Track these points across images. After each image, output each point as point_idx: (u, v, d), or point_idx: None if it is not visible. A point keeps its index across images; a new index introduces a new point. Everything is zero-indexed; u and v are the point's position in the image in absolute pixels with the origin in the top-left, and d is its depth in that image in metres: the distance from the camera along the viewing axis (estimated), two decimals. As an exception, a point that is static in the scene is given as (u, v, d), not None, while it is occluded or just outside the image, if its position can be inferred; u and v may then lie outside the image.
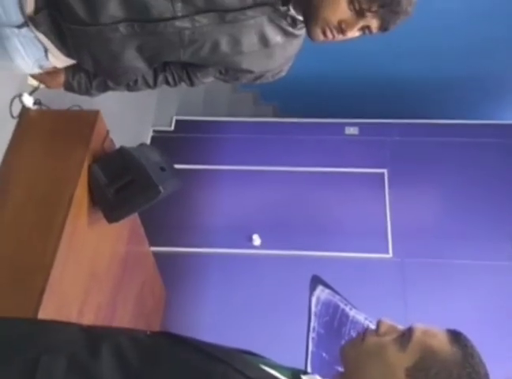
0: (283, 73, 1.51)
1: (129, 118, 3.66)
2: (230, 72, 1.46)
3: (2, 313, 1.60)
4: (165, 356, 0.91)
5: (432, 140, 4.12)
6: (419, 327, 1.03)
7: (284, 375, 0.98)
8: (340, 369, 1.08)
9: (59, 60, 1.40)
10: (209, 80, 1.52)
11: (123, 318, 2.54)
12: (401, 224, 3.77)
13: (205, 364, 0.90)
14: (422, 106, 4.53)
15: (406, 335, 1.02)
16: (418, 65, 4.46)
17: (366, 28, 1.24)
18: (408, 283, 3.52)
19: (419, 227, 3.77)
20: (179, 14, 1.22)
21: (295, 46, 1.42)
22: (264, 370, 0.95)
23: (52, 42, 1.32)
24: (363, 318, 3.39)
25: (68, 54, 1.37)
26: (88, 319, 2.11)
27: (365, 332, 1.06)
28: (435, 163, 4.02)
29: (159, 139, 4.23)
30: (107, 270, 2.33)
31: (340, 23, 1.22)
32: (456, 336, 1.02)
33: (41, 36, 1.31)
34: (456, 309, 3.32)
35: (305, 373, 1.04)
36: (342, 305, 3.44)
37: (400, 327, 1.05)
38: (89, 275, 2.15)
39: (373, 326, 1.09)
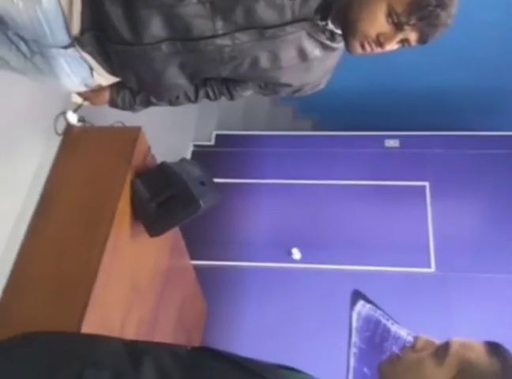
0: (321, 86, 1.51)
1: (170, 133, 3.71)
2: (269, 86, 1.47)
3: (47, 325, 1.64)
4: (204, 372, 0.92)
5: (475, 153, 4.05)
6: (456, 340, 1.02)
7: None
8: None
9: (104, 78, 1.44)
10: (249, 93, 1.54)
11: (165, 332, 2.56)
12: (444, 238, 3.70)
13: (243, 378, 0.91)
14: (464, 118, 4.46)
15: (443, 349, 1.00)
16: (459, 76, 4.40)
17: (404, 41, 1.24)
18: (451, 297, 3.45)
19: (462, 241, 3.70)
20: (220, 32, 1.24)
21: (333, 59, 1.43)
22: None
23: (97, 61, 1.36)
24: (405, 333, 3.33)
25: (112, 73, 1.41)
26: (130, 333, 2.13)
27: (402, 348, 1.06)
28: (478, 176, 3.94)
29: (199, 153, 4.27)
30: (149, 284, 2.36)
31: (378, 36, 1.22)
32: (495, 348, 1.00)
33: (87, 56, 1.35)
34: (501, 324, 3.24)
35: None
36: (384, 321, 3.39)
37: (438, 342, 1.04)
38: (132, 288, 2.18)
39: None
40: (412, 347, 1.04)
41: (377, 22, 1.21)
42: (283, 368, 1.02)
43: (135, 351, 0.94)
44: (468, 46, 3.95)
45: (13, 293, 1.88)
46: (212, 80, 1.50)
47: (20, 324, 1.63)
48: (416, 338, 1.05)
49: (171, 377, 0.89)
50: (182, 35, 1.25)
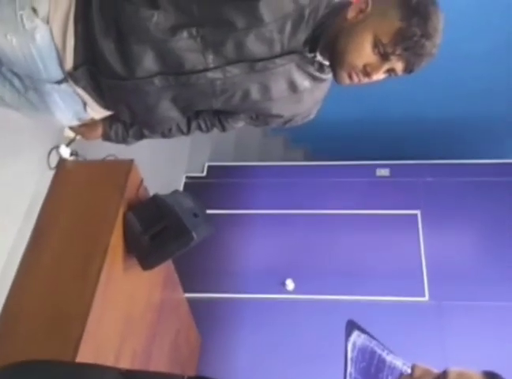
0: (312, 116, 1.54)
1: (162, 165, 3.73)
2: (260, 117, 1.50)
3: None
4: None
5: (465, 181, 4.08)
6: (454, 369, 1.02)
7: None
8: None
9: (97, 112, 1.45)
10: (240, 125, 1.57)
11: (158, 365, 2.53)
12: (437, 266, 3.70)
13: None
14: (454, 147, 4.51)
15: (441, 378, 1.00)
16: (448, 105, 4.46)
17: (391, 71, 1.28)
18: (446, 326, 3.44)
19: (456, 269, 3.70)
20: (211, 66, 1.27)
21: (322, 89, 1.46)
22: None
23: (90, 96, 1.37)
24: (400, 363, 3.31)
25: (105, 107, 1.42)
26: (124, 365, 2.11)
27: (399, 377, 1.05)
28: (469, 204, 3.96)
29: (191, 185, 4.28)
30: (142, 317, 2.34)
31: (365, 67, 1.26)
32: (492, 377, 1.00)
33: (80, 91, 1.36)
34: (496, 353, 3.22)
35: None
36: (379, 351, 3.37)
37: (435, 370, 1.04)
38: (125, 322, 2.16)
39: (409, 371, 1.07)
40: (410, 376, 1.04)
41: (364, 53, 1.24)
42: None
43: None
44: (456, 76, 4.02)
45: (6, 327, 1.86)
46: (204, 113, 1.52)
47: (14, 357, 1.61)
48: (413, 366, 1.05)
49: None
50: (174, 69, 1.27)
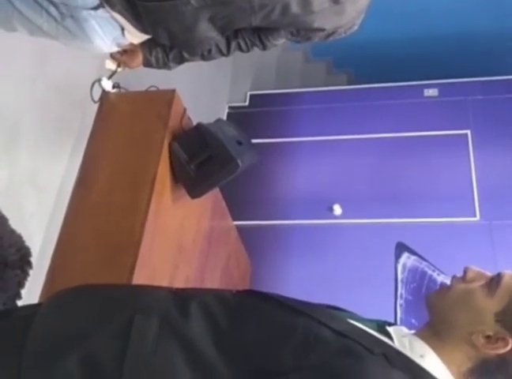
0: (355, 27, 1.48)
1: (204, 95, 3.71)
2: (301, 32, 1.45)
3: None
4: (250, 313, 0.95)
5: (516, 97, 3.94)
6: (509, 272, 1.01)
7: (370, 328, 0.98)
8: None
9: (135, 36, 1.44)
10: (281, 41, 1.53)
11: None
12: (488, 186, 3.63)
13: (288, 317, 0.92)
14: (504, 62, 4.31)
15: (494, 281, 1.00)
16: (494, 18, 4.24)
17: None
18: (498, 245, 3.40)
19: (507, 188, 3.62)
20: None
21: None
22: (349, 323, 0.96)
23: (127, 20, 1.36)
24: (451, 283, 3.31)
25: (143, 30, 1.41)
26: (177, 292, 2.17)
27: (452, 280, 1.05)
28: (521, 120, 3.84)
29: (234, 115, 4.26)
30: (193, 244, 2.39)
31: None
32: None
33: (117, 16, 1.34)
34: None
35: (390, 324, 1.04)
36: (429, 271, 3.37)
37: (488, 273, 1.03)
38: (177, 249, 2.20)
39: None
40: (462, 278, 1.03)
41: None
42: (329, 308, 1.03)
43: (182, 297, 0.96)
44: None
45: (61, 259, 1.92)
46: (244, 31, 1.48)
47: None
48: (466, 269, 1.04)
49: (218, 318, 0.92)
50: None
